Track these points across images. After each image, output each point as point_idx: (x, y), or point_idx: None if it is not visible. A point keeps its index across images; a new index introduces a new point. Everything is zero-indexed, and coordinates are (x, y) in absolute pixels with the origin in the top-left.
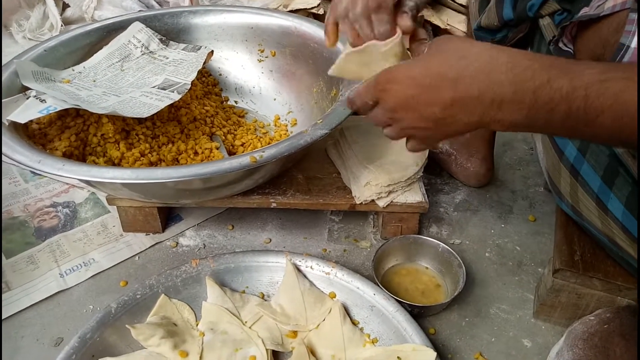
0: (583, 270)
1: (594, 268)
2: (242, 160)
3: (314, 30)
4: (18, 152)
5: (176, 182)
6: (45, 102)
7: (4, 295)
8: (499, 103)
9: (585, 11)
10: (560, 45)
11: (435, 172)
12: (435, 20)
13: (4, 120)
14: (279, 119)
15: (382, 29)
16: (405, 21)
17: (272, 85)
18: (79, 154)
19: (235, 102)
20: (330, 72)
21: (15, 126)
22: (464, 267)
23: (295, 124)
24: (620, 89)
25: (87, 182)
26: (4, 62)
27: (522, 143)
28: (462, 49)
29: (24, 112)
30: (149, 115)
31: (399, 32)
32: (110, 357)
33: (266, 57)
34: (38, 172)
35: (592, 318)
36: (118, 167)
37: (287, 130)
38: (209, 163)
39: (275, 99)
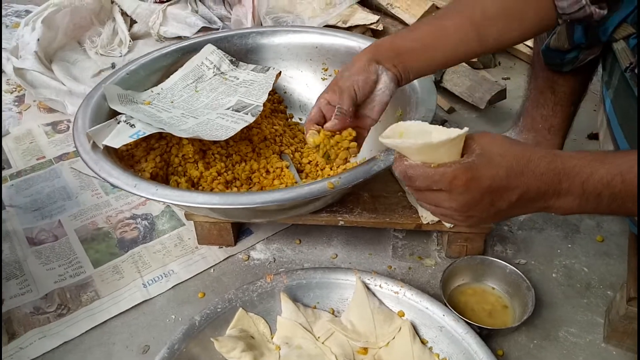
0: None
1: None
2: (321, 186)
3: None
4: (114, 177)
5: (259, 207)
6: (135, 126)
7: (94, 303)
8: (556, 196)
9: None
10: (637, 71)
11: None
12: None
13: (99, 145)
14: None
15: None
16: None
17: None
18: (163, 174)
19: (300, 119)
20: (383, 140)
21: (108, 150)
22: (532, 291)
23: None
24: None
25: (177, 205)
26: (87, 78)
27: None
28: (516, 151)
29: (117, 137)
30: (227, 137)
31: (465, 128)
32: None
33: (330, 75)
34: (134, 194)
35: None
36: (205, 192)
37: None
38: (290, 189)
39: None
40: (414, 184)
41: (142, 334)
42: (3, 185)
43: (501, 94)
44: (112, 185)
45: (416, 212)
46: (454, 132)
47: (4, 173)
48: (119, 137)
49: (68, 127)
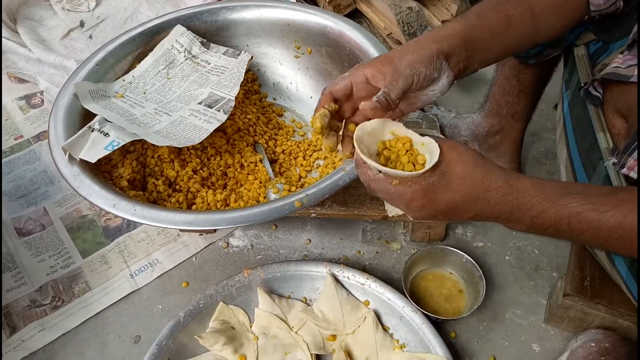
0: (591, 297)
1: (600, 294)
2: (289, 204)
3: (350, 31)
4: (95, 194)
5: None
6: (109, 135)
7: (86, 295)
8: (507, 221)
9: (617, 63)
10: (591, 89)
11: None
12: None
13: (76, 157)
14: None
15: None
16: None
17: (309, 83)
18: (140, 178)
19: (274, 98)
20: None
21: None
22: (484, 280)
23: None
24: (593, 219)
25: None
26: (55, 41)
27: (551, 133)
28: (476, 178)
29: (92, 149)
30: (200, 141)
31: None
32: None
33: (302, 54)
34: (114, 214)
35: (593, 345)
36: (181, 211)
37: None
38: (261, 207)
39: (312, 97)
40: (375, 194)
41: (132, 324)
42: None
43: None
44: (92, 204)
45: (383, 204)
46: (423, 152)
47: None
48: (94, 149)
49: (42, 102)
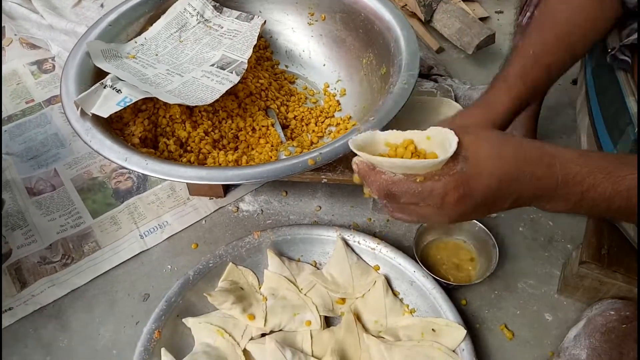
0: (608, 265)
1: (617, 262)
2: (302, 162)
3: None
4: (107, 148)
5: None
6: (121, 92)
7: (96, 253)
8: (549, 200)
9: None
10: (618, 54)
11: None
12: None
13: (88, 113)
14: (328, 87)
15: None
16: None
17: (322, 50)
18: (152, 137)
19: (286, 66)
20: (359, 153)
21: (97, 116)
22: (497, 249)
23: (345, 94)
24: None
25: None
26: (67, 9)
27: (569, 108)
28: (509, 152)
29: (104, 104)
30: (212, 101)
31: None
32: (192, 317)
33: (316, 20)
34: (126, 168)
35: (612, 313)
36: (193, 166)
37: (336, 101)
38: (271, 164)
39: (324, 65)
40: (398, 202)
41: (142, 283)
42: None
43: (489, 39)
44: (104, 157)
45: None
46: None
47: None
48: (106, 105)
49: (53, 67)
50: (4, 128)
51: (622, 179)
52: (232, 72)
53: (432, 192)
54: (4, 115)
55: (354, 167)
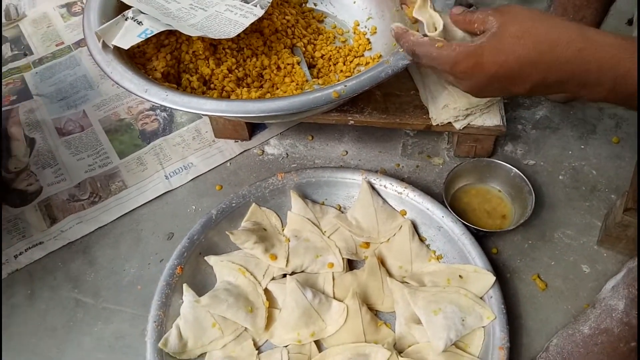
0: None
1: None
2: (326, 95)
3: None
4: (127, 80)
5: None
6: (142, 24)
7: (122, 192)
8: (582, 85)
9: None
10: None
11: None
12: None
13: (109, 45)
14: (358, 25)
15: None
16: None
17: None
18: (175, 72)
19: (315, 4)
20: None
21: (119, 49)
22: (533, 195)
23: (375, 32)
24: None
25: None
26: None
27: None
28: (538, 34)
29: (125, 36)
30: (235, 34)
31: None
32: (214, 255)
33: None
34: (145, 99)
35: None
36: (213, 99)
37: (366, 39)
38: (295, 97)
39: (355, 2)
40: (420, 62)
41: (166, 222)
42: (28, 72)
43: None
44: (124, 88)
45: (427, 112)
46: None
47: (27, 60)
48: (127, 36)
49: (82, 10)
50: (35, 70)
51: None
52: (256, 6)
53: (445, 59)
54: (35, 57)
55: (392, 32)
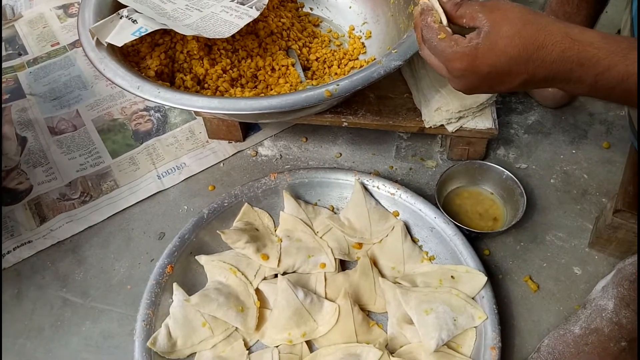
0: None
1: None
2: (318, 93)
3: None
4: (120, 77)
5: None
6: (137, 22)
7: (114, 192)
8: (566, 82)
9: None
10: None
11: None
12: None
13: (103, 42)
14: (354, 29)
15: None
16: None
17: None
18: (169, 72)
19: (311, 8)
20: None
21: (113, 46)
22: (525, 197)
23: (370, 36)
24: None
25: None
26: None
27: None
28: (527, 34)
29: (119, 34)
30: (230, 35)
31: None
32: (205, 255)
33: None
34: (138, 96)
35: None
36: (205, 96)
37: (361, 43)
38: (286, 95)
39: (350, 7)
40: (425, 44)
41: (157, 222)
42: (21, 72)
43: None
44: (116, 85)
45: (420, 115)
46: None
47: (21, 59)
48: (122, 34)
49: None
50: (29, 69)
51: (634, 60)
52: (251, 8)
53: (442, 52)
54: (29, 57)
55: (417, 8)
